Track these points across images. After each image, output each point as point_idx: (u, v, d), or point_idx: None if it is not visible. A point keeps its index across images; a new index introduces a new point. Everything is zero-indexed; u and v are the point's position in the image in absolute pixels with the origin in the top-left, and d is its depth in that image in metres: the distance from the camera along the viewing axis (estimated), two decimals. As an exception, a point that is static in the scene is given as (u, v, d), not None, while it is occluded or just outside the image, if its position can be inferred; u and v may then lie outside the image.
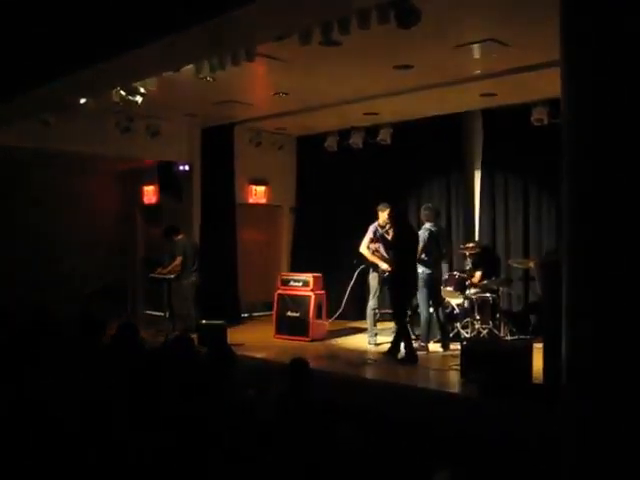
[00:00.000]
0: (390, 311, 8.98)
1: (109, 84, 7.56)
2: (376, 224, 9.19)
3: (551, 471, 3.65)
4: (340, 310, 9.76)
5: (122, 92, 7.60)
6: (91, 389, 3.83)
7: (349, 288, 9.86)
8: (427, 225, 9.02)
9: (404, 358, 8.14)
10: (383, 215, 9.16)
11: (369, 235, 9.18)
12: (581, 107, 3.30)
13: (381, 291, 9.30)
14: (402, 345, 8.31)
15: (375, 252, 9.13)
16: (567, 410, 3.38)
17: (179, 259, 9.97)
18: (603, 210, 3.19)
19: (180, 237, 10.18)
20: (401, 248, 8.48)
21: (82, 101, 8.13)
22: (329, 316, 9.99)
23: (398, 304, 8.43)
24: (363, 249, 9.22)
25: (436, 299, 8.94)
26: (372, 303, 9.33)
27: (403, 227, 8.57)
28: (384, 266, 8.98)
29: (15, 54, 7.30)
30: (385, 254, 9.04)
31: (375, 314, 9.35)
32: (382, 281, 9.17)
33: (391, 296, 8.76)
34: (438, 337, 8.96)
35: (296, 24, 5.67)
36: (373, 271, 9.27)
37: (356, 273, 9.63)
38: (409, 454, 3.71)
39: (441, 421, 5.90)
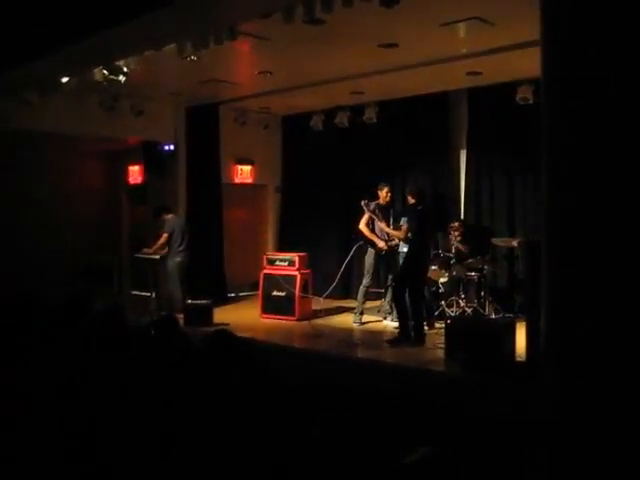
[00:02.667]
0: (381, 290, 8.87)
1: (91, 62, 7.48)
2: (374, 203, 9.13)
3: (532, 447, 3.71)
4: (333, 285, 9.69)
5: (105, 71, 7.53)
6: (70, 368, 3.83)
7: (345, 263, 9.74)
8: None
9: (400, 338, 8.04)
10: (382, 193, 9.22)
11: (368, 213, 9.16)
12: (560, 85, 3.31)
13: (375, 270, 9.32)
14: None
15: (373, 231, 9.18)
16: (546, 387, 3.43)
17: (163, 237, 9.87)
18: (582, 189, 3.21)
19: (169, 216, 10.11)
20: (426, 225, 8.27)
21: (64, 80, 8.05)
22: (319, 294, 9.76)
23: (417, 283, 8.18)
24: (362, 226, 9.23)
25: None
26: (366, 281, 9.33)
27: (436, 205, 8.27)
28: (381, 244, 9.07)
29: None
30: (380, 233, 9.12)
31: (367, 292, 9.36)
32: (378, 260, 9.22)
33: (410, 273, 8.24)
34: None
35: (279, 2, 5.63)
36: (370, 249, 9.28)
37: (354, 248, 9.55)
38: (392, 431, 3.75)
39: (425, 398, 5.96)
